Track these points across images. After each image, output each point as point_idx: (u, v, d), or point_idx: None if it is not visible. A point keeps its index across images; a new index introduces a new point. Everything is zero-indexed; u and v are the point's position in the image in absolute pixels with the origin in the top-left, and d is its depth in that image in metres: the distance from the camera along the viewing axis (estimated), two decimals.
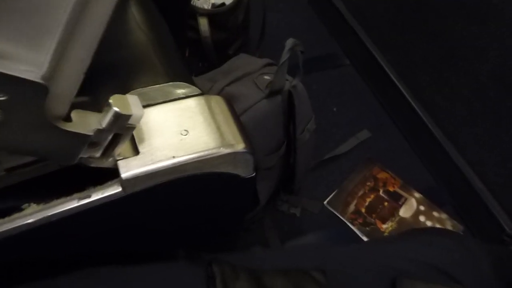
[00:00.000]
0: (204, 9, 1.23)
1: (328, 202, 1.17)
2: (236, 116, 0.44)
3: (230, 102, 0.46)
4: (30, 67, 0.32)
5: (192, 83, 0.55)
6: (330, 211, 1.15)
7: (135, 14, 0.78)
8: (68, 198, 0.38)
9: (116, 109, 0.35)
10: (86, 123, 0.36)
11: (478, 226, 1.14)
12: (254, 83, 0.89)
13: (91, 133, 0.36)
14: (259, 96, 0.87)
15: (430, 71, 1.20)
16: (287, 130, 0.95)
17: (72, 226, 0.39)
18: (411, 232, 0.76)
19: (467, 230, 1.14)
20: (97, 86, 0.56)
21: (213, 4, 1.27)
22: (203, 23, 1.22)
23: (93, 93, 0.48)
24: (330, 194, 1.18)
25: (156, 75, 0.59)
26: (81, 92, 0.45)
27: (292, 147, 0.98)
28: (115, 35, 0.76)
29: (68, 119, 0.37)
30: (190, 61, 1.30)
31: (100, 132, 0.37)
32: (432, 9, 1.14)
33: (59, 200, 0.38)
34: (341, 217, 1.14)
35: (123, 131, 0.38)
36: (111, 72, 0.63)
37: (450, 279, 0.55)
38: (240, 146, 0.42)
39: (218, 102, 0.45)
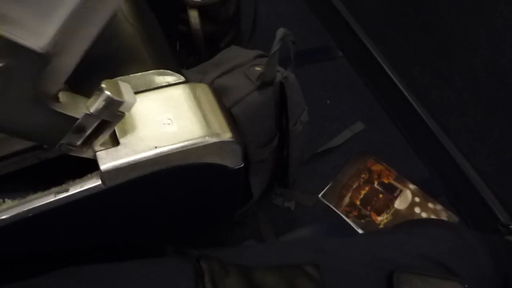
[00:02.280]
0: (195, 1, 1.20)
1: (322, 195, 1.15)
2: (223, 105, 0.43)
3: (217, 91, 0.44)
4: (33, 35, 0.30)
5: (180, 73, 0.53)
6: (325, 204, 1.14)
7: (122, 6, 0.76)
8: (45, 192, 0.36)
9: (108, 93, 0.34)
10: (75, 105, 0.34)
11: (473, 216, 1.13)
12: (245, 75, 0.87)
13: (79, 117, 0.34)
14: (250, 88, 0.85)
15: (423, 62, 1.19)
16: (280, 122, 0.93)
17: (50, 221, 0.37)
18: (406, 224, 0.75)
19: (462, 221, 1.13)
20: (82, 78, 0.54)
21: None
22: (194, 16, 1.19)
23: (77, 85, 0.46)
24: (325, 187, 1.16)
25: (143, 65, 0.57)
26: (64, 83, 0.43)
27: (284, 140, 0.96)
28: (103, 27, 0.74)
29: (56, 99, 0.35)
30: (181, 54, 1.28)
31: (87, 117, 0.35)
32: (425, 1, 1.13)
33: (35, 195, 0.36)
34: (336, 210, 1.13)
35: (112, 119, 0.36)
36: (97, 64, 0.62)
37: (447, 270, 0.53)
38: (226, 136, 0.41)
39: (203, 90, 0.43)
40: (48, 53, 0.31)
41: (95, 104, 0.34)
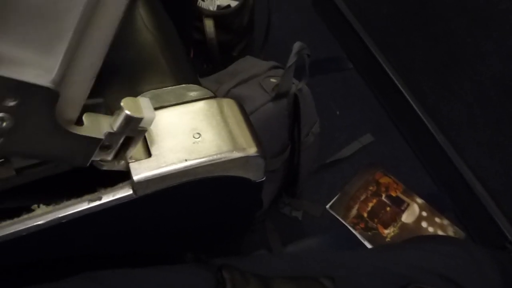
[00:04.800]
0: (210, 11, 1.22)
1: (330, 206, 1.16)
2: (248, 120, 0.44)
3: (242, 105, 0.45)
4: (40, 71, 0.32)
5: (199, 84, 0.55)
6: (332, 215, 1.15)
7: (142, 15, 0.78)
8: (79, 199, 0.38)
9: (127, 112, 0.35)
10: (97, 126, 0.36)
11: (480, 232, 1.13)
12: (260, 86, 0.89)
13: (102, 137, 0.36)
14: (265, 98, 0.86)
15: (433, 76, 1.20)
16: (292, 133, 0.95)
17: (81, 228, 0.39)
18: (415, 240, 0.76)
19: (469, 236, 1.14)
20: (105, 87, 0.56)
21: (218, 6, 1.26)
22: (209, 25, 1.21)
23: (102, 94, 0.48)
24: (332, 198, 1.17)
25: (164, 76, 0.59)
26: (90, 92, 0.44)
27: (296, 150, 0.97)
28: (122, 35, 0.76)
29: (79, 122, 0.37)
30: (195, 62, 1.30)
31: (111, 135, 0.36)
32: (436, 13, 1.14)
33: (69, 202, 0.38)
34: (343, 221, 1.14)
35: (135, 134, 0.38)
36: (118, 73, 0.63)
37: (456, 286, 0.55)
38: (252, 150, 0.42)
39: (230, 105, 0.45)
40: (57, 86, 0.32)
41: (117, 123, 0.36)
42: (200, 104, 0.44)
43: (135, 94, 0.50)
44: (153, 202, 0.40)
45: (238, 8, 1.25)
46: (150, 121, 0.36)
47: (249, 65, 0.98)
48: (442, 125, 1.20)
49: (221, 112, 0.43)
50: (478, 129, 1.10)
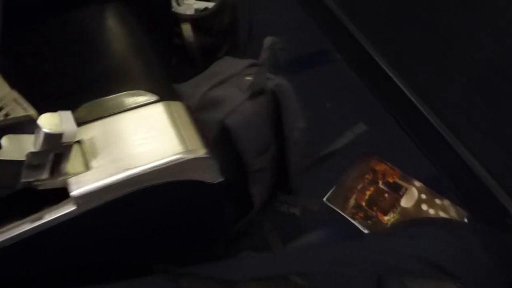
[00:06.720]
0: (187, 15, 1.21)
1: (327, 199, 1.14)
2: (196, 122, 0.43)
3: (190, 108, 0.44)
4: None
5: (172, 89, 0.54)
6: (330, 207, 1.13)
7: (111, 26, 0.77)
8: (21, 221, 0.37)
9: (44, 129, 0.34)
10: (18, 148, 0.34)
11: (482, 211, 1.11)
12: (236, 86, 0.88)
13: (23, 158, 0.35)
14: (242, 98, 0.85)
15: (426, 61, 1.18)
16: (275, 130, 0.93)
17: (28, 249, 0.38)
18: (401, 225, 0.74)
19: (471, 216, 1.11)
20: (75, 98, 0.55)
21: (196, 9, 1.26)
22: (186, 29, 1.20)
23: (71, 106, 0.47)
24: (329, 191, 1.16)
25: (135, 84, 0.58)
26: (54, 106, 0.43)
27: (282, 147, 0.96)
28: (92, 48, 0.75)
29: None
30: (179, 68, 1.29)
31: (37, 154, 0.35)
32: None
33: (10, 225, 0.37)
34: (341, 213, 1.12)
35: (62, 150, 0.36)
36: (88, 84, 0.62)
37: (442, 271, 0.52)
38: (201, 152, 0.41)
39: (177, 108, 0.44)
40: None
41: (38, 142, 0.35)
42: (144, 110, 0.43)
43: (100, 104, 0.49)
44: (101, 216, 0.39)
45: (216, 10, 1.23)
46: (72, 135, 0.35)
47: (226, 65, 0.96)
48: (436, 108, 1.18)
49: (167, 116, 0.42)
50: (473, 109, 1.08)
